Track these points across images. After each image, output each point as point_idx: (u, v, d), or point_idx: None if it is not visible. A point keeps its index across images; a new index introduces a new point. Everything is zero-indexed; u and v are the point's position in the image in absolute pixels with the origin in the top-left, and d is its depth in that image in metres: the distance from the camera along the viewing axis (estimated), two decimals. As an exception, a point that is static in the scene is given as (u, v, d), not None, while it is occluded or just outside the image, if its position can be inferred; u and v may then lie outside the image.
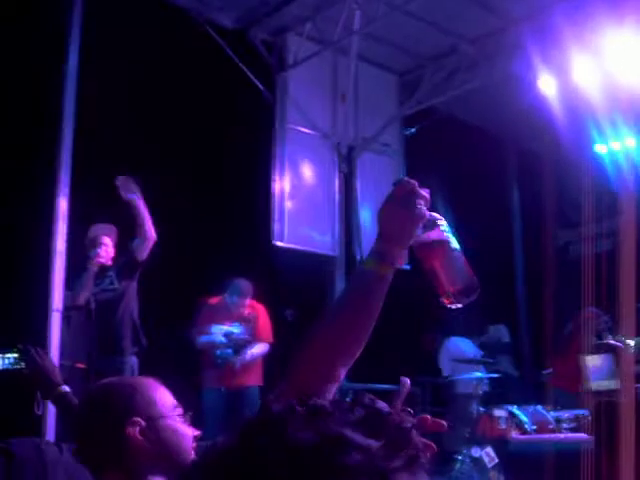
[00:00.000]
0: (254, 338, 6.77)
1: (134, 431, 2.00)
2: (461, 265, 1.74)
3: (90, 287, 5.65)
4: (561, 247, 9.53)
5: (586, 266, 7.40)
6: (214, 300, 6.93)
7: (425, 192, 1.69)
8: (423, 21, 7.78)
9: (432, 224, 1.72)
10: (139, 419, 2.02)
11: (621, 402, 3.81)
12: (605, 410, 3.84)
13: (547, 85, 7.89)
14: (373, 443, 0.88)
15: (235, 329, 6.75)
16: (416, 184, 1.69)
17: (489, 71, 8.01)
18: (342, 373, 1.61)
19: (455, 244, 1.75)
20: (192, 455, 2.06)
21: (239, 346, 6.71)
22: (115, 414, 2.02)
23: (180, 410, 2.12)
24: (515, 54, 7.60)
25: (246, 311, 6.85)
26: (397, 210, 1.68)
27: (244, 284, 6.84)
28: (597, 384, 6.48)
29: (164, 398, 2.11)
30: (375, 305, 1.65)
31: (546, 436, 6.39)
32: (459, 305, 1.72)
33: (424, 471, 0.90)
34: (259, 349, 6.78)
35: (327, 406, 0.93)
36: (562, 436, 6.32)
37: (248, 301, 6.86)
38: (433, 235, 1.72)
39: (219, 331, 6.73)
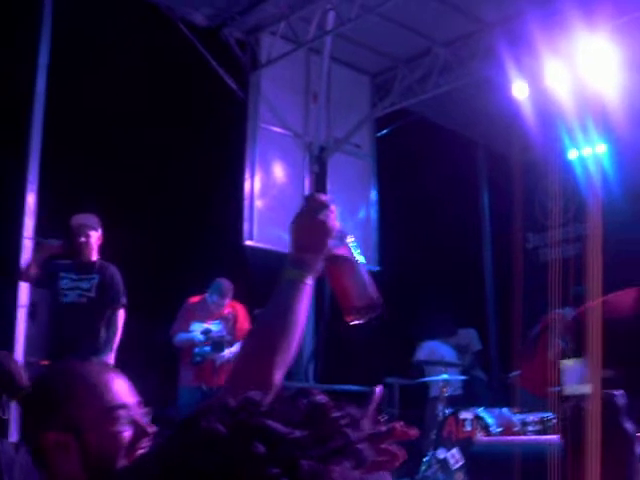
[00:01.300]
0: (234, 337, 6.75)
1: (51, 441, 1.74)
2: (366, 282, 1.82)
3: (39, 264, 5.48)
4: (530, 251, 9.58)
5: (553, 270, 7.43)
6: (195, 299, 6.91)
7: (333, 208, 1.80)
8: (397, 23, 7.80)
9: (340, 240, 1.80)
10: (59, 433, 1.74)
11: (588, 407, 3.83)
12: (572, 414, 3.85)
13: (519, 89, 7.93)
14: (295, 433, 0.90)
15: (214, 327, 6.73)
16: (326, 199, 1.78)
17: (462, 74, 8.04)
18: (278, 378, 1.67)
19: (361, 260, 1.84)
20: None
21: (218, 344, 6.69)
22: (37, 414, 1.79)
23: (134, 406, 1.97)
24: (488, 58, 7.64)
25: (226, 310, 6.84)
26: (308, 221, 1.77)
27: (225, 284, 6.82)
28: (570, 388, 6.51)
29: (110, 394, 1.86)
30: (298, 311, 1.72)
31: (511, 438, 6.42)
32: (361, 321, 1.81)
33: (354, 464, 0.91)
34: (237, 349, 6.74)
35: (257, 399, 0.95)
36: (527, 438, 6.35)
37: (228, 301, 6.85)
38: (341, 251, 1.80)
39: (198, 329, 6.71)
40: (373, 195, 8.86)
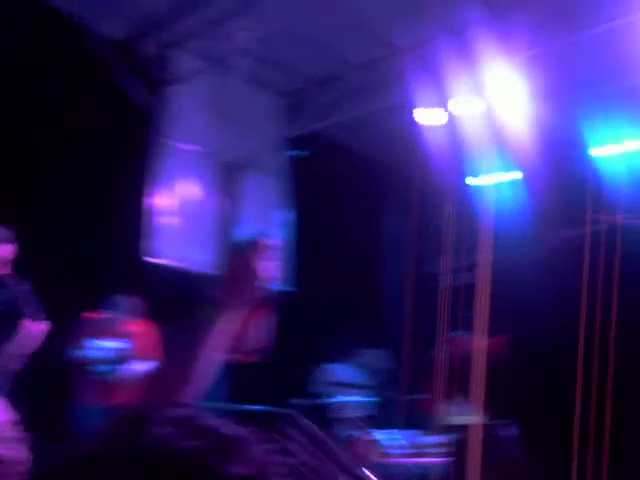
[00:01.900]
0: (134, 355, 6.66)
1: None
2: (269, 328, 1.84)
3: None
4: (430, 276, 9.70)
5: (444, 296, 7.59)
6: (95, 315, 6.81)
7: (274, 255, 1.74)
8: (311, 45, 7.84)
9: (265, 284, 1.79)
10: None
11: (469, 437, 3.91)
12: (457, 441, 3.93)
13: (427, 115, 8.04)
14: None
15: (113, 344, 6.65)
16: (272, 246, 1.75)
17: (373, 99, 8.12)
18: (188, 400, 1.65)
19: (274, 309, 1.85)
20: None
21: (116, 361, 6.61)
22: None
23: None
24: (399, 83, 7.72)
25: (126, 327, 6.76)
26: (244, 266, 1.73)
27: (126, 301, 6.75)
28: (454, 418, 6.63)
29: None
30: (213, 350, 1.69)
31: (413, 460, 6.48)
32: (246, 360, 1.83)
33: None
34: (139, 366, 6.65)
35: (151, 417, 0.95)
36: (428, 460, 6.41)
37: (129, 317, 6.77)
38: (263, 294, 1.79)
39: (96, 346, 6.62)
40: (287, 216, 8.86)
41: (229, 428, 0.92)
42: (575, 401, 5.81)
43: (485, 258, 4.62)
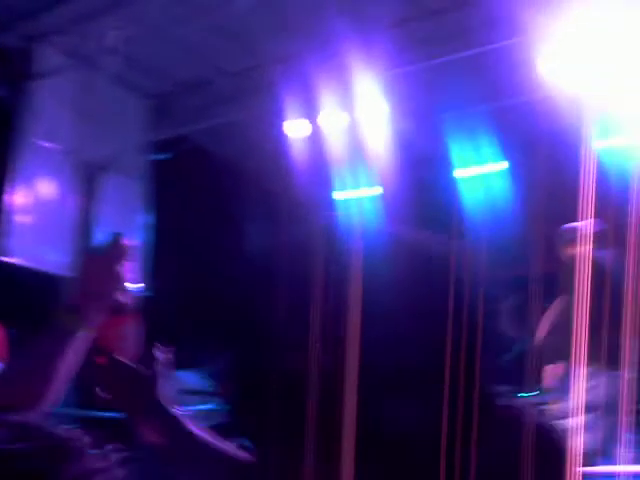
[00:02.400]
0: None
1: None
2: (138, 338, 1.78)
3: None
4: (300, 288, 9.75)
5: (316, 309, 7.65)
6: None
7: (133, 257, 1.67)
8: (182, 49, 7.77)
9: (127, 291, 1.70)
10: None
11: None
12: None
13: (295, 127, 8.09)
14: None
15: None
16: (129, 246, 1.66)
17: (242, 107, 8.10)
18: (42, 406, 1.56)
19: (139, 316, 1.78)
20: None
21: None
22: None
23: None
24: (269, 94, 7.74)
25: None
26: (102, 268, 1.63)
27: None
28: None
29: None
30: (67, 360, 1.59)
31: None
32: (109, 366, 1.76)
33: None
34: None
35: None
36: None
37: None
38: (124, 299, 1.71)
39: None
40: (147, 219, 8.73)
41: (66, 433, 0.89)
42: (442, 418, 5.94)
43: (355, 272, 4.69)
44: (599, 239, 5.74)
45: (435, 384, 6.13)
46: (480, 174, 8.76)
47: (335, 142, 7.85)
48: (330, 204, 8.98)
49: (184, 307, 8.62)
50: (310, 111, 7.89)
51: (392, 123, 7.62)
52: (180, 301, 8.59)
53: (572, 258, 5.73)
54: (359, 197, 9.08)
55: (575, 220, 3.84)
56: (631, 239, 3.52)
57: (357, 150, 7.73)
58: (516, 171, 8.54)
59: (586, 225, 5.80)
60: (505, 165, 8.67)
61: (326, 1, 6.75)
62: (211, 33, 7.53)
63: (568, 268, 5.79)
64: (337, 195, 9.17)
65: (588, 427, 4.94)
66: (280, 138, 8.04)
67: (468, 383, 6.06)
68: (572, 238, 5.77)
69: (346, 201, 9.13)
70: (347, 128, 7.81)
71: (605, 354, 5.29)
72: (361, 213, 8.75)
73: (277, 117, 7.98)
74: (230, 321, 9.09)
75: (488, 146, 8.38)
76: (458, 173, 8.78)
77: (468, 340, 6.09)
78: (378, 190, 8.90)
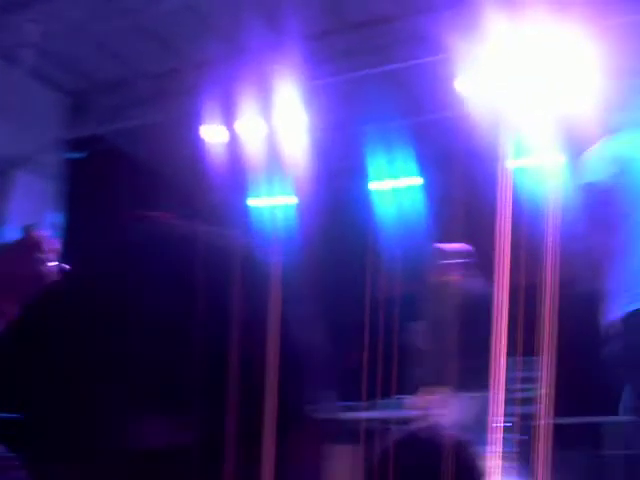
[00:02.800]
0: None
1: None
2: None
3: None
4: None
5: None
6: None
7: (54, 247, 1.59)
8: (102, 48, 7.66)
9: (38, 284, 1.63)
10: None
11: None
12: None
13: (213, 132, 8.07)
14: None
15: None
16: (45, 238, 1.59)
17: (162, 109, 8.03)
18: None
19: None
20: None
21: None
22: None
23: None
24: (189, 97, 7.69)
25: None
26: (14, 260, 1.56)
27: None
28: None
29: None
30: None
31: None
32: None
33: None
34: None
35: None
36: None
37: None
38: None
39: None
40: (60, 218, 8.57)
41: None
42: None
43: (274, 280, 4.65)
44: (467, 264, 5.91)
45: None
46: (396, 188, 8.88)
47: (252, 149, 7.84)
48: (246, 210, 8.98)
49: (93, 305, 8.47)
50: (229, 117, 7.87)
51: (310, 133, 7.65)
52: (91, 299, 8.45)
53: (439, 279, 5.89)
54: (275, 205, 9.10)
55: (491, 239, 3.90)
56: (547, 259, 3.59)
57: (274, 159, 7.74)
58: (432, 187, 8.69)
59: (457, 248, 5.96)
60: (421, 180, 8.81)
61: (248, 10, 6.75)
62: (133, 34, 7.45)
63: (434, 289, 5.94)
64: (253, 202, 9.17)
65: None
66: (198, 142, 8.00)
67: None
68: (441, 259, 5.93)
69: (262, 208, 9.15)
70: (265, 136, 7.82)
71: (470, 377, 5.47)
72: (276, 221, 8.78)
73: (196, 121, 7.94)
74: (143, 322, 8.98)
75: (405, 160, 8.50)
76: (374, 186, 8.88)
77: (377, 352, 6.13)
78: (293, 199, 8.93)
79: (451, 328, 5.75)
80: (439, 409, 5.76)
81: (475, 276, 5.94)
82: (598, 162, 3.53)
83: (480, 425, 5.46)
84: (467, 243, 6.30)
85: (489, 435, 5.21)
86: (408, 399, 6.00)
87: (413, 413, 5.83)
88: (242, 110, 7.71)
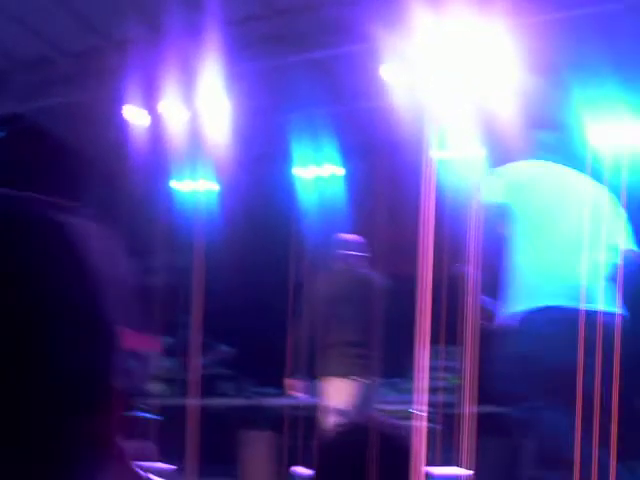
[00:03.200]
0: None
1: None
2: None
3: None
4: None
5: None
6: None
7: None
8: (22, 24, 7.49)
9: None
10: None
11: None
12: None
13: (136, 114, 7.99)
14: None
15: None
16: None
17: (84, 88, 7.90)
18: None
19: None
20: None
21: None
22: None
23: None
24: (112, 77, 7.59)
25: None
26: None
27: None
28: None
29: None
30: None
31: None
32: None
33: None
34: None
35: None
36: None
37: None
38: None
39: None
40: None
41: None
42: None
43: (198, 261, 4.69)
44: (361, 256, 6.07)
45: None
46: (320, 176, 8.93)
47: (175, 133, 7.78)
48: (168, 194, 8.93)
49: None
50: (151, 100, 7.79)
51: (233, 119, 7.62)
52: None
53: (338, 267, 6.05)
54: (197, 189, 9.07)
55: (414, 230, 3.99)
56: (469, 251, 3.71)
57: (197, 143, 7.70)
58: (355, 176, 8.75)
59: (353, 240, 6.12)
60: (344, 169, 8.87)
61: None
62: (54, 11, 7.29)
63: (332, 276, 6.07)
64: (175, 185, 9.13)
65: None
66: (120, 123, 7.91)
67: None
68: (339, 248, 6.09)
69: (184, 192, 9.11)
70: (187, 120, 7.77)
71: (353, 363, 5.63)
72: (198, 205, 8.76)
73: (118, 102, 7.84)
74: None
75: (329, 149, 8.54)
76: (298, 173, 8.91)
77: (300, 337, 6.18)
78: (216, 184, 8.91)
79: (343, 315, 5.87)
80: (303, 394, 5.94)
81: (367, 266, 6.07)
82: (497, 185, 4.01)
83: (365, 409, 5.63)
84: (390, 233, 6.40)
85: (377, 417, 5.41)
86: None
87: (322, 400, 5.91)
88: (164, 93, 7.64)
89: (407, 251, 4.26)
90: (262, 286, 8.38)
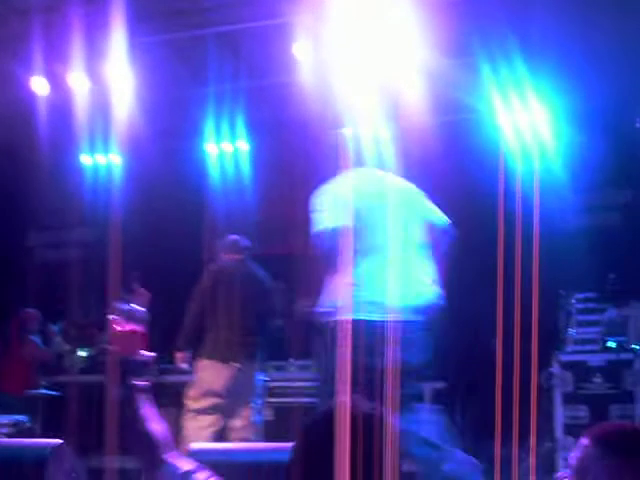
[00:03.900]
0: None
1: None
2: None
3: None
4: (29, 249, 9.48)
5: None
6: None
7: None
8: None
9: None
10: None
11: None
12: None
13: (43, 85, 7.82)
14: None
15: None
16: None
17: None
18: None
19: None
20: None
21: None
22: None
23: None
24: (14, 46, 7.39)
25: None
26: None
27: None
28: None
29: None
30: None
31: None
32: None
33: None
34: None
35: None
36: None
37: None
38: None
39: None
40: None
41: None
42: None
43: (114, 235, 4.65)
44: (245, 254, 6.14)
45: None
46: (227, 151, 8.89)
47: (78, 105, 7.63)
48: (72, 166, 8.79)
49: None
50: (54, 70, 7.63)
51: (139, 92, 7.51)
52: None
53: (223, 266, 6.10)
54: (104, 162, 8.95)
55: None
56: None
57: (102, 116, 7.56)
58: (262, 151, 8.75)
59: (237, 239, 6.18)
60: (250, 145, 8.86)
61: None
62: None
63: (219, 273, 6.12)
64: (82, 158, 8.99)
65: None
66: (25, 93, 7.73)
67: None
68: (227, 249, 6.14)
69: (91, 165, 8.97)
70: (91, 92, 7.64)
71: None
72: (106, 178, 8.66)
73: (20, 71, 7.65)
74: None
75: (235, 124, 8.51)
76: (206, 147, 8.87)
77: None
78: (121, 157, 8.79)
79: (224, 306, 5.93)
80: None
81: (252, 265, 6.14)
82: (325, 210, 3.89)
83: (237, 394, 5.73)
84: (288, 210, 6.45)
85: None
86: None
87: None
88: (68, 64, 7.48)
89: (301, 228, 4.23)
90: (172, 258, 8.37)
